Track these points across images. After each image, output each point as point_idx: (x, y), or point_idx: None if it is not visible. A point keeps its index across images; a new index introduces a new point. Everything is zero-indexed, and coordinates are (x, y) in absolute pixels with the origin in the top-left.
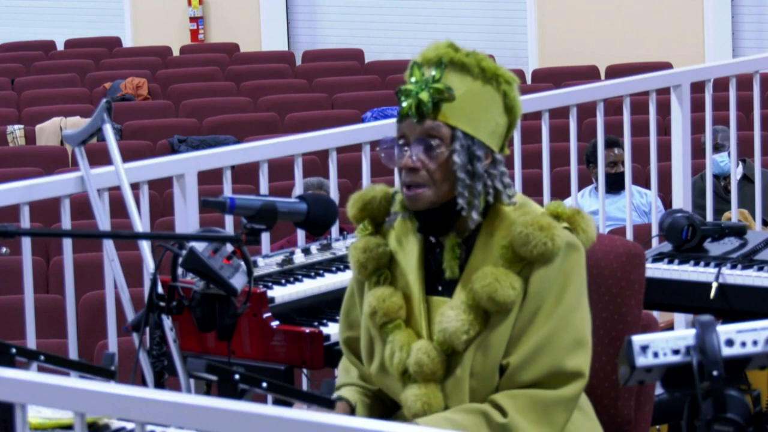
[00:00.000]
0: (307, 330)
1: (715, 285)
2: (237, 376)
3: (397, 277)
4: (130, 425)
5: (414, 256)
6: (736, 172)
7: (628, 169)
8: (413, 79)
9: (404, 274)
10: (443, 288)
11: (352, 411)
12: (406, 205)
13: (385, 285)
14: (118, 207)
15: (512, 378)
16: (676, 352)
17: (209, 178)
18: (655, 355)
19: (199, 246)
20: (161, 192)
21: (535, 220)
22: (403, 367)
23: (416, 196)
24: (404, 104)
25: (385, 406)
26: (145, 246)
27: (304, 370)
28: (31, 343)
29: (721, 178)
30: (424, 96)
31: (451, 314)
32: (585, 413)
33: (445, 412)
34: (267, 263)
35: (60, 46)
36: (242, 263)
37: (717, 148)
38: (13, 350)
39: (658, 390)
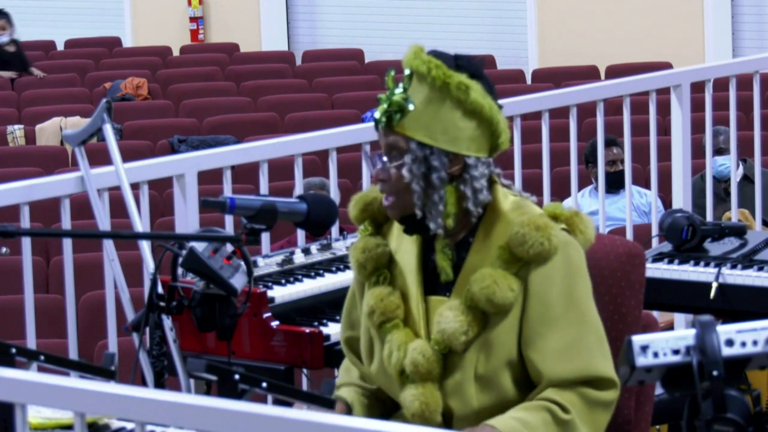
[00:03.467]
0: (307, 330)
1: (715, 285)
2: (237, 376)
3: (396, 277)
4: (130, 425)
5: (413, 256)
6: (737, 173)
7: (628, 169)
8: (387, 90)
9: (403, 274)
10: (442, 288)
11: (349, 411)
12: None
13: (384, 285)
14: (118, 207)
15: (546, 375)
16: (676, 352)
17: (209, 178)
18: (655, 355)
19: (199, 246)
20: (161, 192)
21: (531, 220)
22: (401, 366)
23: (389, 206)
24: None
25: (384, 406)
26: (145, 246)
27: (304, 370)
28: (31, 343)
29: (722, 182)
30: (380, 110)
31: (450, 315)
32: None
33: (511, 411)
34: (267, 263)
35: (60, 46)
36: (242, 263)
37: (719, 151)
38: (13, 350)
39: (658, 390)
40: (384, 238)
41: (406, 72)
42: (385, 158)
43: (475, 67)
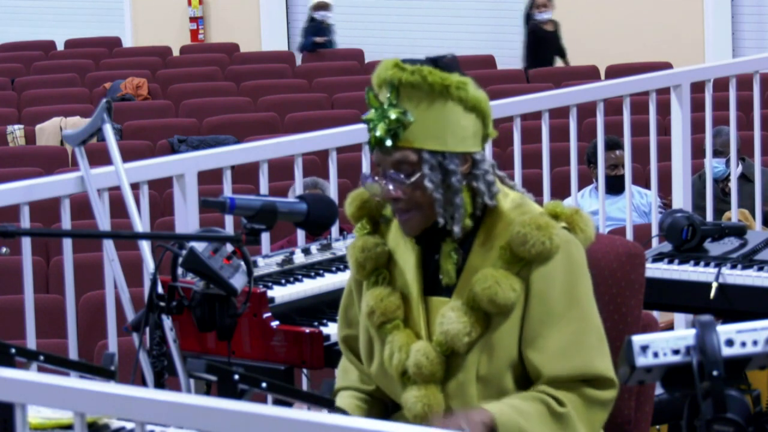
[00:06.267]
0: (307, 330)
1: (715, 285)
2: (237, 376)
3: (396, 277)
4: (130, 425)
5: (412, 256)
6: (736, 172)
7: (628, 170)
8: (372, 107)
9: (403, 274)
10: (442, 288)
11: None
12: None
13: (383, 285)
14: (118, 207)
15: (545, 374)
16: (676, 352)
17: (209, 178)
18: (655, 355)
19: (199, 246)
20: (161, 192)
21: (532, 219)
22: (402, 368)
23: (407, 223)
24: (370, 136)
25: (384, 408)
26: (145, 246)
27: (304, 370)
28: (31, 343)
29: (719, 182)
30: (381, 129)
31: (453, 316)
32: None
33: (508, 399)
34: (267, 263)
35: (60, 46)
36: (242, 263)
37: (715, 153)
38: (13, 350)
39: (658, 390)
40: (382, 237)
41: (388, 86)
42: (388, 177)
43: (455, 63)
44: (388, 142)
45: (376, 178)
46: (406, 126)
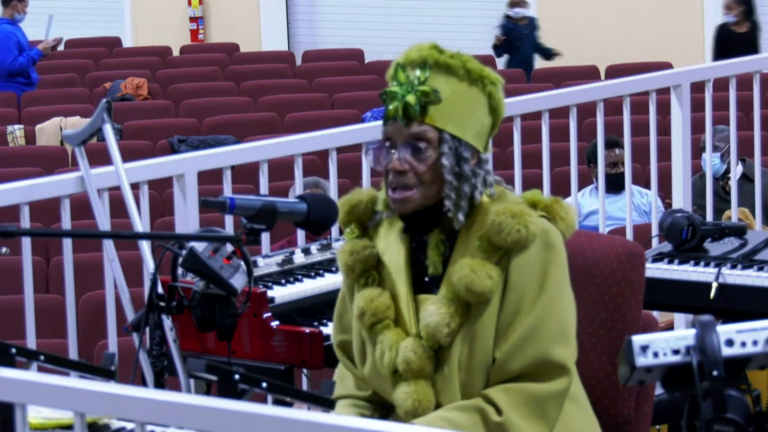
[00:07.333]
0: (307, 330)
1: (715, 285)
2: (237, 376)
3: (385, 278)
4: (130, 425)
5: (401, 256)
6: (736, 172)
7: (628, 169)
8: (397, 82)
9: (391, 275)
10: (431, 286)
11: None
12: (391, 207)
13: (372, 286)
14: (118, 207)
15: (501, 369)
16: (676, 352)
17: (209, 178)
18: (655, 355)
19: (199, 246)
20: (161, 192)
21: (507, 208)
22: (393, 366)
23: (403, 199)
24: (390, 107)
25: (384, 413)
26: (145, 246)
27: (304, 370)
28: (31, 343)
29: (720, 179)
30: (411, 99)
31: (432, 309)
32: (579, 405)
33: (441, 410)
34: (267, 263)
35: (60, 46)
36: (242, 263)
37: (713, 148)
38: (13, 350)
39: (658, 390)
40: (370, 240)
41: (419, 65)
42: (403, 148)
43: None
44: (416, 113)
45: (387, 145)
46: (435, 102)
